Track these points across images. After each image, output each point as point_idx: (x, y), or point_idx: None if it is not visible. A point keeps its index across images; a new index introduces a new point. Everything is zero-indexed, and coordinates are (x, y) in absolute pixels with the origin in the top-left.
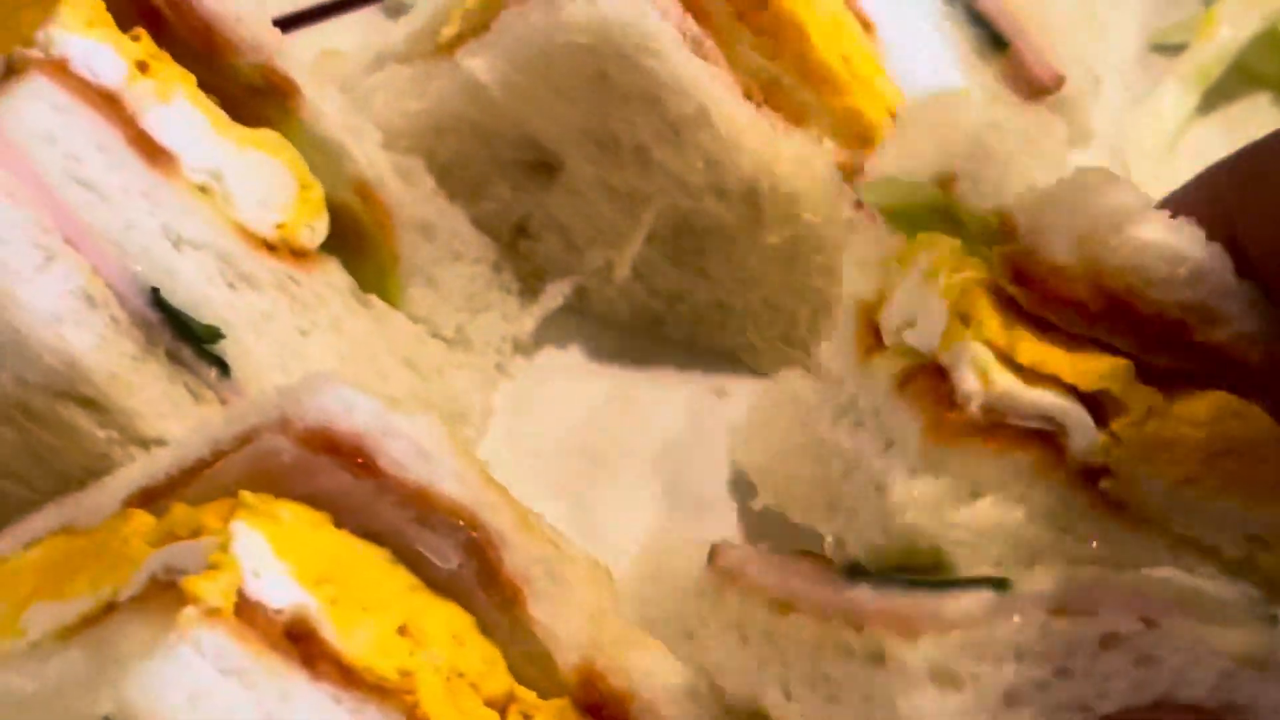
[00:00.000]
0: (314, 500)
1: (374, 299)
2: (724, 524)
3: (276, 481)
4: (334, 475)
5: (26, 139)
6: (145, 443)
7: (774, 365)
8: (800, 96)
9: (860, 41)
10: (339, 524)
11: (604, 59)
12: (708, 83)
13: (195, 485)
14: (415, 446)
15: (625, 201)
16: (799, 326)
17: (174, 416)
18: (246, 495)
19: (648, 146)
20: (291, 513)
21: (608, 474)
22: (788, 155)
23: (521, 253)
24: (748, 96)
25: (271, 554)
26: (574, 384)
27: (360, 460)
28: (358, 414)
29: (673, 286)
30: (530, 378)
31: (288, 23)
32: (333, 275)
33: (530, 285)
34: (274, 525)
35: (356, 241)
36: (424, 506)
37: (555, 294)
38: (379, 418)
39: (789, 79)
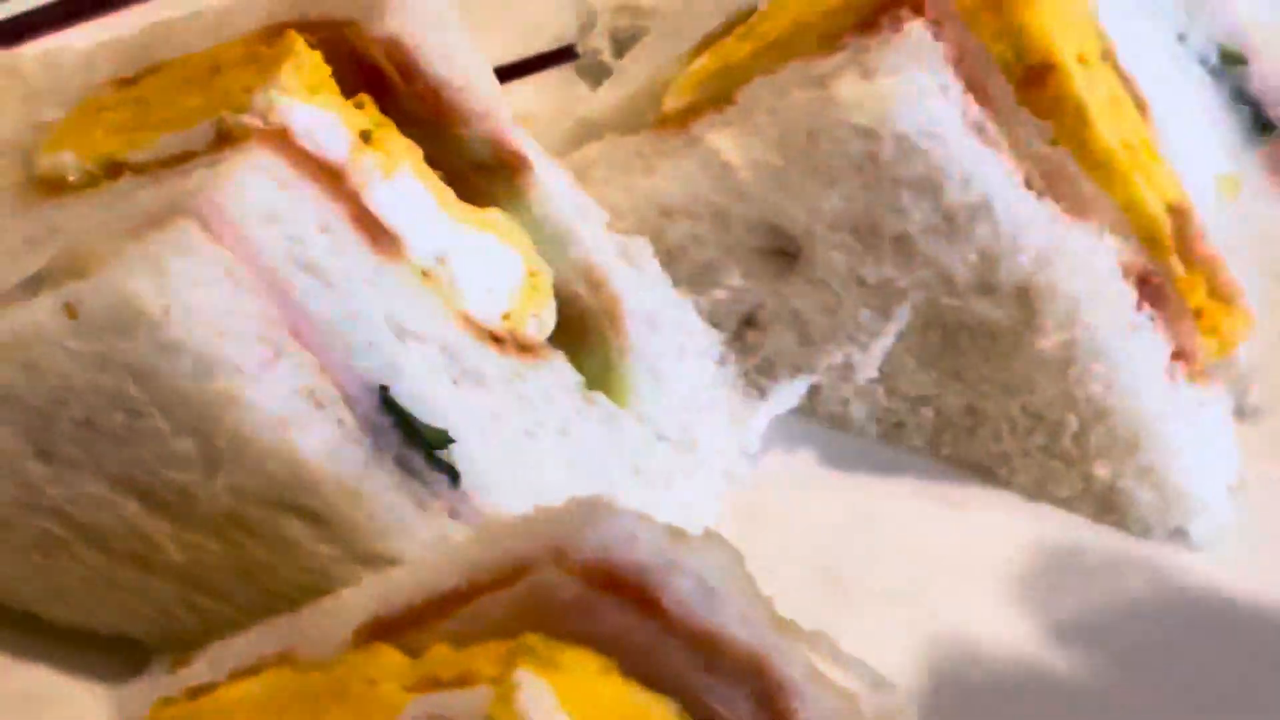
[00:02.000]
0: (595, 644)
1: (600, 398)
2: (981, 658)
3: (553, 622)
4: (617, 615)
5: (248, 219)
6: (368, 560)
7: (1030, 479)
8: (1081, 186)
9: (1138, 125)
10: (624, 671)
11: (878, 141)
12: (991, 170)
13: (450, 620)
14: (701, 583)
15: (876, 295)
16: (1063, 438)
17: (400, 531)
18: (531, 638)
19: (913, 237)
20: (574, 659)
21: (849, 602)
22: (1069, 251)
23: (749, 346)
24: (1028, 185)
25: (558, 708)
26: (806, 495)
27: (645, 598)
28: (641, 545)
29: (919, 389)
30: (758, 487)
31: None
32: (560, 371)
33: (757, 383)
34: (557, 673)
35: (581, 334)
36: (712, 652)
37: (788, 394)
38: (663, 549)
39: (1070, 167)
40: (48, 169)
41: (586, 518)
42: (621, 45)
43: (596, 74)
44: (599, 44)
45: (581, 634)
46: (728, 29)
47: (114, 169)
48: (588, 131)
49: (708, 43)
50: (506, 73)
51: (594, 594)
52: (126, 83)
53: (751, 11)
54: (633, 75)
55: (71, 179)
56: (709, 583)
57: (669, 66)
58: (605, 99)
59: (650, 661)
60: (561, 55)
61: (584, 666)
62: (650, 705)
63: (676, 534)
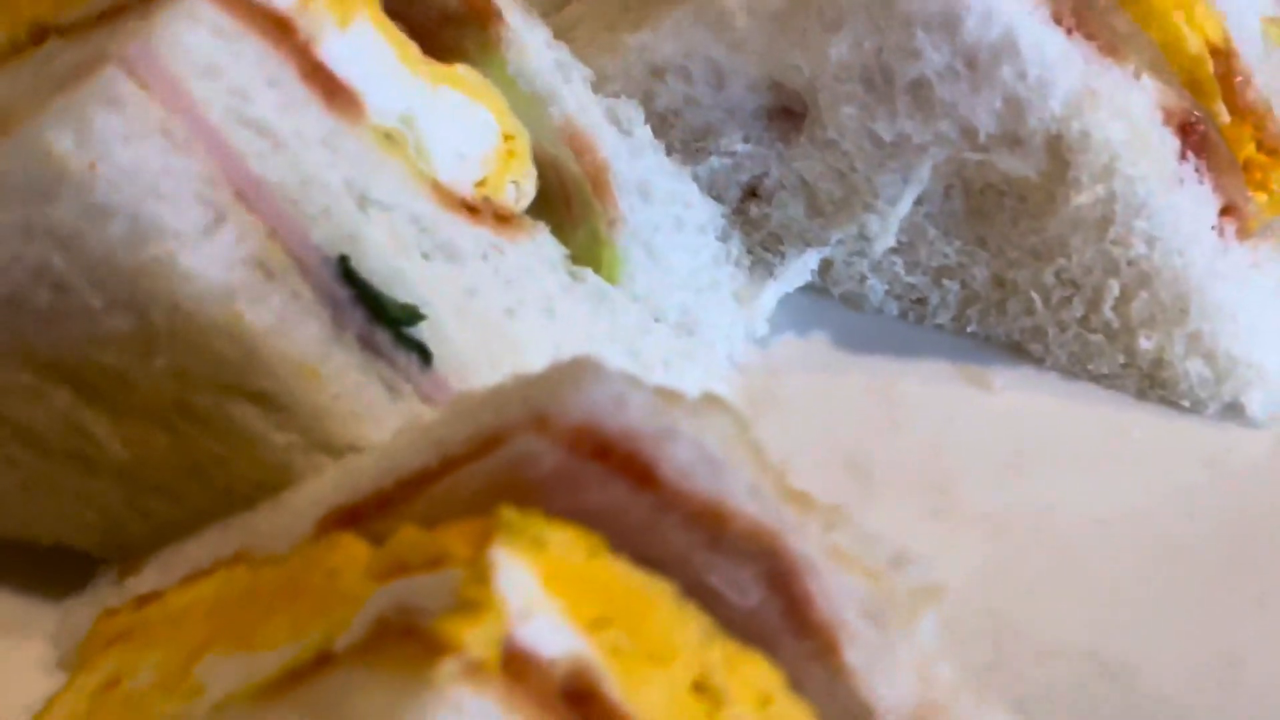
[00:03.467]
0: (583, 519)
1: (588, 274)
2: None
3: (534, 495)
4: (606, 487)
5: (185, 70)
6: (335, 449)
7: (1067, 355)
8: (1114, 21)
9: None
10: (615, 549)
11: None
12: (1014, 2)
13: (421, 502)
14: (702, 451)
15: (891, 154)
16: (1103, 307)
17: (368, 417)
18: (507, 513)
19: (930, 83)
20: (559, 536)
21: (871, 488)
22: (1104, 94)
23: (753, 219)
24: (1057, 20)
25: (540, 589)
26: (821, 380)
27: (638, 468)
28: (632, 409)
29: (941, 260)
30: (768, 371)
31: None
32: (542, 244)
33: (763, 259)
34: (539, 552)
35: (565, 204)
36: (715, 527)
37: (797, 270)
38: (658, 413)
39: (1103, 3)
40: None
41: (570, 380)
42: None
43: None
44: None
45: (567, 508)
46: None
47: (40, 34)
48: None
49: None
50: None
51: (580, 463)
52: None
53: None
54: None
55: None
56: (710, 450)
57: None
58: None
59: (645, 539)
60: None
61: (569, 544)
62: (645, 587)
63: (672, 397)
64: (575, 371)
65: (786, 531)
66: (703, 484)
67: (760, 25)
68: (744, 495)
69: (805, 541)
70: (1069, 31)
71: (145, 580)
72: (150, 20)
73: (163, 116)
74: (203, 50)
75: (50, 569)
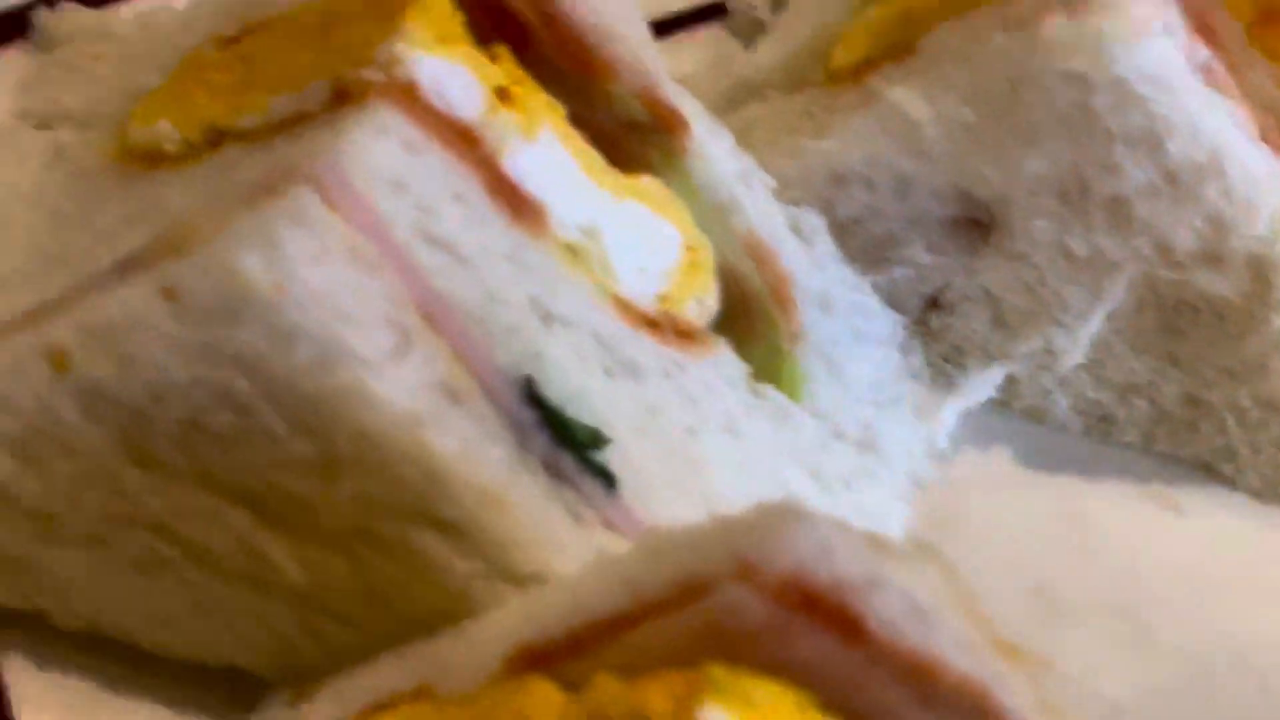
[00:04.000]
0: (790, 674)
1: (770, 390)
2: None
3: (740, 649)
4: (814, 640)
5: (373, 186)
6: (518, 578)
7: (1261, 479)
8: None
9: None
10: (825, 706)
11: (1091, 89)
12: (1221, 121)
13: (618, 647)
14: (911, 602)
15: (1084, 269)
16: None
17: (552, 544)
18: (715, 668)
19: (1129, 199)
20: (768, 693)
21: (1059, 615)
22: None
23: (935, 331)
24: (1264, 139)
25: None
26: (1004, 499)
27: (846, 620)
28: (840, 557)
29: (1130, 376)
30: (950, 489)
31: None
32: (723, 361)
33: (944, 371)
34: (747, 709)
35: (746, 318)
36: (925, 682)
37: (980, 385)
38: (866, 563)
39: None
40: (143, 140)
41: (775, 526)
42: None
43: (751, 32)
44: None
45: (773, 663)
46: None
47: (216, 137)
48: (747, 92)
49: None
50: (652, 29)
51: (787, 615)
52: (229, 42)
53: None
54: (794, 29)
55: (169, 149)
56: (920, 601)
57: (837, 16)
58: (764, 57)
59: (854, 694)
60: (709, 12)
61: (777, 701)
62: None
63: (880, 544)
64: (781, 517)
65: (996, 686)
66: (912, 637)
67: (950, 135)
68: (953, 648)
69: (1015, 696)
70: (1276, 150)
71: (320, 709)
72: (339, 133)
73: (351, 236)
74: (391, 165)
75: (221, 691)
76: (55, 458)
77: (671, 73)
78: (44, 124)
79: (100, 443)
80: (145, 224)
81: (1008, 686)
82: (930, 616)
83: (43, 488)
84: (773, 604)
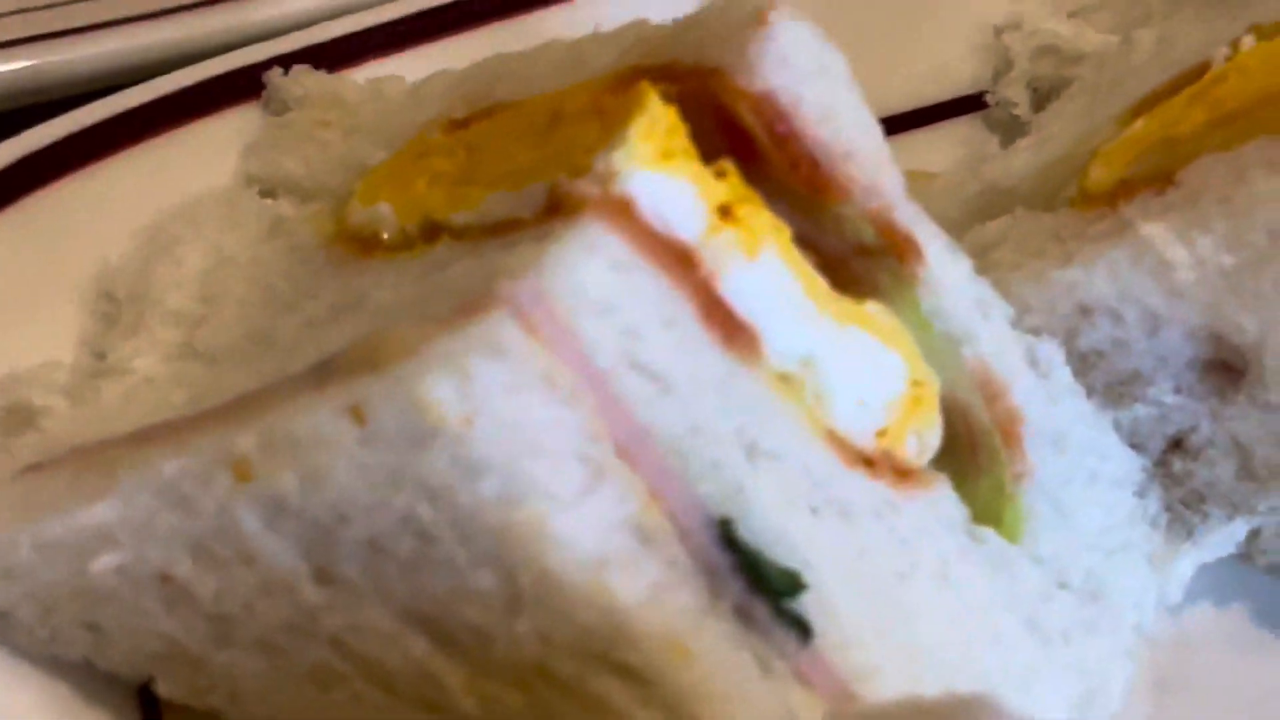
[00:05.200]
0: None
1: (989, 534)
2: None
3: None
4: None
5: (577, 309)
6: None
7: None
8: None
9: None
10: None
11: None
12: None
13: None
14: None
15: None
16: None
17: (737, 697)
18: None
19: None
20: None
21: None
22: None
23: (1175, 475)
24: None
25: None
26: (1239, 661)
27: None
28: None
29: None
30: (1180, 647)
31: None
32: (941, 501)
33: (1182, 517)
34: None
35: (970, 454)
36: None
37: (1222, 538)
38: None
39: None
40: (362, 223)
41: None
42: (1042, 97)
43: (1009, 128)
44: (1014, 94)
45: None
46: (1173, 88)
47: (431, 231)
48: (995, 201)
49: (1147, 103)
50: (904, 120)
51: None
52: (457, 125)
53: (1205, 69)
54: (1053, 135)
55: (385, 236)
56: None
57: (1098, 128)
58: (1018, 162)
59: None
60: (969, 103)
61: None
62: None
63: None
64: (974, 710)
65: None
66: None
67: (1207, 278)
68: None
69: None
70: None
71: None
72: (545, 250)
73: (548, 364)
74: (597, 286)
75: None
76: (234, 564)
77: (921, 165)
78: (267, 191)
79: (280, 554)
80: (352, 320)
81: None
82: None
83: (221, 591)
84: None
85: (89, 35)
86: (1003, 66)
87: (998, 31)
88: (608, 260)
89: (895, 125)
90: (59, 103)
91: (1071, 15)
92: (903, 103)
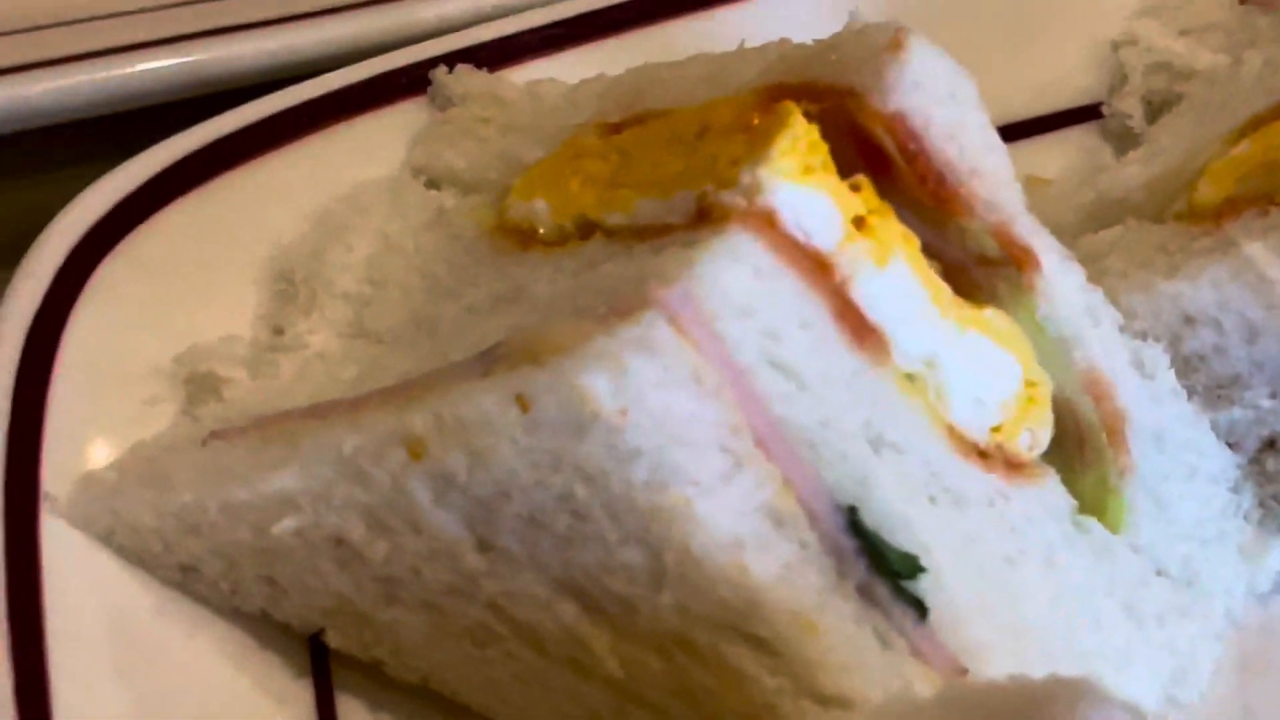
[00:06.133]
0: None
1: (1093, 524)
2: None
3: None
4: None
5: (722, 312)
6: (822, 698)
7: None
8: None
9: None
10: None
11: None
12: None
13: None
14: None
15: None
16: None
17: (858, 668)
18: None
19: None
20: None
21: None
22: None
23: (1269, 472)
24: None
25: None
26: None
27: None
28: None
29: None
30: (1267, 633)
31: None
32: (1049, 492)
33: (1274, 511)
34: None
35: (1077, 450)
36: None
37: None
38: None
39: None
40: (520, 217)
41: (1069, 703)
42: (1155, 110)
43: (1123, 139)
44: (1129, 106)
45: None
46: (1276, 113)
47: (586, 228)
48: (1107, 210)
49: (1252, 125)
50: (1026, 127)
51: None
52: (610, 129)
53: None
54: (1164, 149)
55: (542, 230)
56: None
57: (1207, 146)
58: (1130, 174)
59: None
60: (1087, 113)
61: None
62: None
63: None
64: (1074, 692)
65: None
66: None
67: None
68: None
69: None
70: None
71: None
72: (693, 256)
73: (695, 361)
74: (741, 290)
75: None
76: (404, 532)
77: (1039, 171)
78: (431, 182)
79: (447, 525)
80: (511, 309)
81: None
82: None
83: (390, 555)
84: None
85: (263, 30)
86: (1118, 80)
87: (1115, 46)
88: (751, 267)
89: (1016, 131)
90: (227, 94)
91: (1184, 33)
92: (1024, 110)
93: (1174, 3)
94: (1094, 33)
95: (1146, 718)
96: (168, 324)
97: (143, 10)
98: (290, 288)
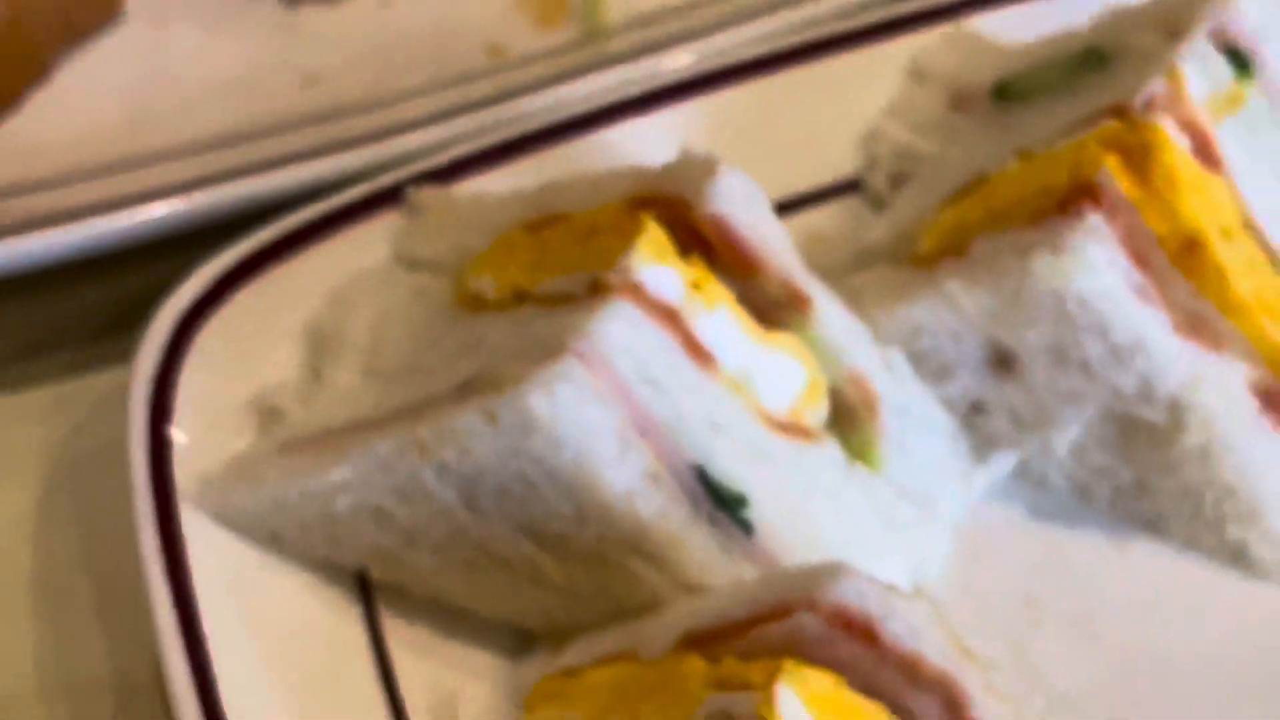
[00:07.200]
0: (830, 665)
1: (860, 468)
2: (1139, 670)
3: (805, 648)
4: (848, 646)
5: (611, 351)
6: (689, 588)
7: (1183, 535)
8: (1219, 327)
9: (1272, 279)
10: (851, 685)
11: (1063, 301)
12: (1147, 321)
13: (740, 641)
14: (910, 625)
15: (1069, 397)
16: (1205, 508)
17: (711, 568)
18: (789, 663)
19: (1091, 363)
20: (817, 676)
21: (1042, 621)
22: (1208, 376)
23: (975, 427)
24: (1177, 330)
25: (805, 712)
26: (1013, 539)
27: (868, 635)
28: (869, 599)
29: (1100, 464)
30: (978, 532)
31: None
32: (829, 450)
33: (981, 454)
34: (804, 687)
35: (848, 420)
36: (915, 672)
37: (1003, 463)
38: (884, 602)
39: (1210, 314)
40: (474, 289)
41: (832, 576)
42: (896, 183)
43: (877, 204)
44: (879, 181)
45: (821, 658)
46: (967, 191)
47: (520, 296)
48: (864, 258)
49: (958, 196)
50: (809, 198)
51: (833, 631)
52: (532, 226)
53: (986, 178)
54: (901, 214)
55: (490, 299)
56: (915, 624)
57: (928, 210)
58: (880, 231)
59: (870, 679)
60: (852, 186)
61: (823, 681)
62: (869, 710)
63: (893, 590)
64: (835, 571)
65: (960, 675)
66: (908, 644)
67: (981, 314)
68: (934, 651)
69: (971, 682)
70: (1185, 336)
71: (569, 657)
72: (591, 317)
73: (597, 385)
74: (622, 336)
75: (514, 638)
76: (419, 501)
77: (818, 233)
78: (412, 268)
79: (447, 496)
80: (474, 354)
81: (969, 677)
82: (921, 633)
83: (410, 517)
84: (825, 623)
85: (296, 164)
86: (872, 162)
87: (869, 138)
88: (629, 320)
89: (805, 200)
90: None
91: (914, 129)
92: (809, 185)
93: (906, 108)
94: (855, 131)
95: (879, 581)
96: (244, 374)
97: (193, 153)
98: (322, 344)
